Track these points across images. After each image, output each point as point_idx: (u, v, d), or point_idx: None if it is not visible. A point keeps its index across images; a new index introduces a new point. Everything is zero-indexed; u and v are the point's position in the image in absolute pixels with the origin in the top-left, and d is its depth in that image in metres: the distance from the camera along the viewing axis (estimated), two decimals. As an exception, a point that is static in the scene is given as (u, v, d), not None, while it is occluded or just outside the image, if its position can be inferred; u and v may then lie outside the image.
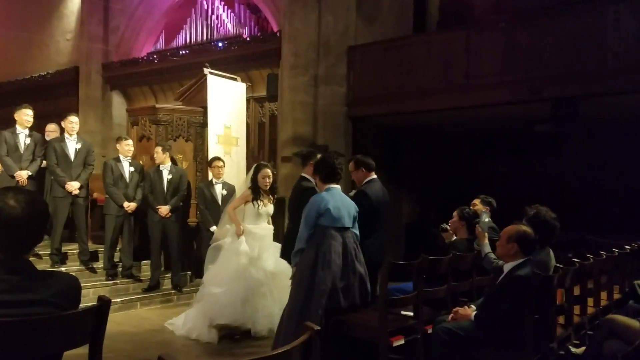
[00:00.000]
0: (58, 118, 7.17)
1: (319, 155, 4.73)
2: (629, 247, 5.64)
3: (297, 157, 4.61)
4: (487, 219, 4.86)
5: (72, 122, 6.53)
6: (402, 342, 3.74)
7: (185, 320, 5.36)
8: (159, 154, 6.73)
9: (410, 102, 7.85)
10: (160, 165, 6.75)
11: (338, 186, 4.20)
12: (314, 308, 3.85)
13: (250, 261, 5.27)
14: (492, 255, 4.05)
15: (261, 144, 9.71)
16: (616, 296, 5.19)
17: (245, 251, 5.28)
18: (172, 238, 6.75)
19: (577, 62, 6.53)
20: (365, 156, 4.98)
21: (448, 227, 4.81)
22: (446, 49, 7.59)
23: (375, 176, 4.88)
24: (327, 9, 8.27)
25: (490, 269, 4.11)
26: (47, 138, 7.04)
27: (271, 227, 5.63)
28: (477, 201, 5.33)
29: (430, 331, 3.78)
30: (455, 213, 4.79)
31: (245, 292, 5.12)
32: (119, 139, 6.95)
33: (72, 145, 6.49)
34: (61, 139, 6.54)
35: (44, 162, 6.54)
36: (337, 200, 4.09)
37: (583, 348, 4.19)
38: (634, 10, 6.22)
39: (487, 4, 9.38)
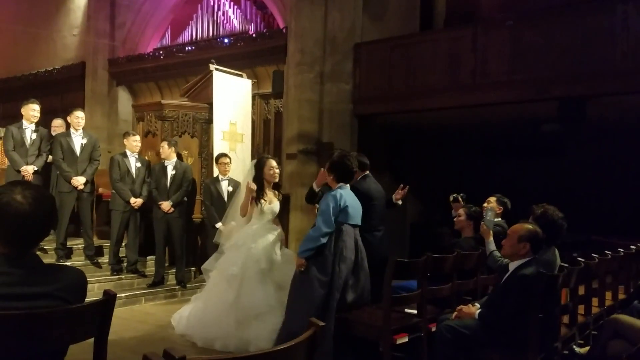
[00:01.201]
0: (64, 113, 7.19)
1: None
2: (634, 247, 5.61)
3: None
4: (491, 218, 4.83)
5: (78, 117, 6.55)
6: (405, 339, 3.74)
7: (180, 320, 5.23)
8: (165, 149, 6.74)
9: (416, 100, 7.82)
10: (165, 161, 6.76)
11: (347, 185, 4.26)
12: (331, 303, 3.91)
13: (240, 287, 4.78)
14: (497, 254, 4.03)
15: (266, 140, 9.72)
16: (621, 296, 5.17)
17: (236, 280, 4.80)
18: (176, 234, 6.74)
19: (585, 61, 6.50)
20: (360, 154, 5.03)
21: (460, 198, 4.82)
22: (453, 47, 7.55)
23: (368, 173, 4.98)
24: (334, 6, 8.24)
25: (494, 267, 4.09)
26: (53, 133, 7.05)
27: (280, 229, 5.11)
28: (492, 199, 5.07)
29: (434, 329, 3.78)
30: (461, 211, 4.77)
31: (235, 323, 4.70)
32: (126, 134, 6.95)
33: (78, 141, 6.51)
34: (67, 134, 6.57)
35: (50, 157, 6.57)
36: (350, 198, 4.18)
37: (587, 348, 4.17)
38: (643, 10, 6.18)
39: (494, 2, 9.33)
